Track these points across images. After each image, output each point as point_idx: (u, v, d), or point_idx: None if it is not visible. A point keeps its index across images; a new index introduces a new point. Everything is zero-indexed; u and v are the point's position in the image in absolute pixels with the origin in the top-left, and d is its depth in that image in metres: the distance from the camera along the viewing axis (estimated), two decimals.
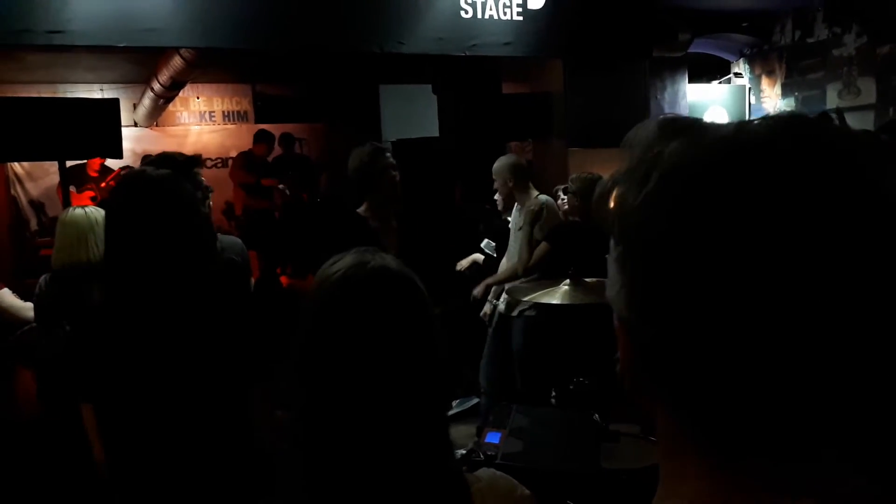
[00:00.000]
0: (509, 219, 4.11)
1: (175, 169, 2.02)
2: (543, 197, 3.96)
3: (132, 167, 7.74)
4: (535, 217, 3.81)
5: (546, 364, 3.82)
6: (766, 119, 0.47)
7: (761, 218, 0.42)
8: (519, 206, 3.97)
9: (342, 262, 0.92)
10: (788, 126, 0.46)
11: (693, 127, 0.49)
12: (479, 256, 4.46)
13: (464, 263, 4.56)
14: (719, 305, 0.43)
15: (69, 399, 1.99)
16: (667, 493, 0.50)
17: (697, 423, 0.47)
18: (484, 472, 0.98)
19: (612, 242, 0.51)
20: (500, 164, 3.96)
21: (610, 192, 0.50)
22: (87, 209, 3.08)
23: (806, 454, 0.44)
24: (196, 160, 2.66)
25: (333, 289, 0.90)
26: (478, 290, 3.94)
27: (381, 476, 0.85)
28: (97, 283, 2.79)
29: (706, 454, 0.47)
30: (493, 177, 3.93)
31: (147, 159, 2.85)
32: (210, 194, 2.65)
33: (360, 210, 3.18)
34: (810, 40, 6.90)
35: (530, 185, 4.03)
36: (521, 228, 3.88)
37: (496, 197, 4.04)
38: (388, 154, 3.20)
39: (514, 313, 3.91)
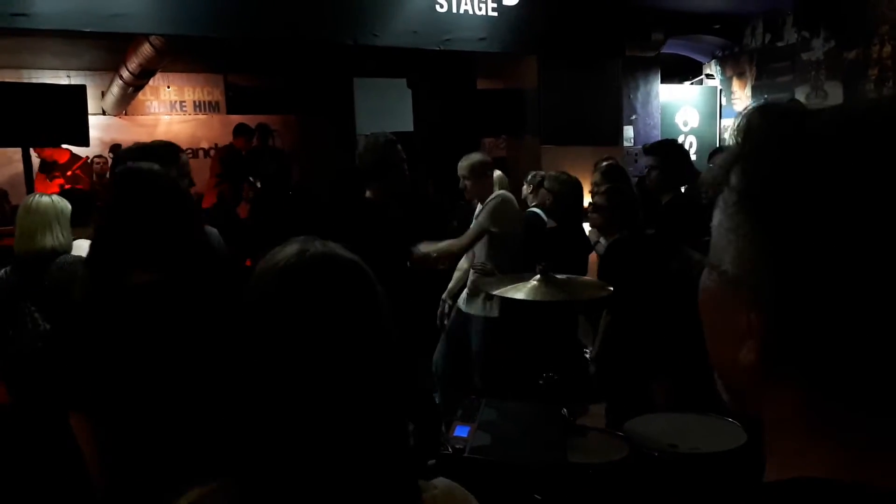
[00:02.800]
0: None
1: (159, 159, 2.00)
2: (501, 192, 4.01)
3: (103, 156, 7.61)
4: (493, 209, 3.84)
5: (506, 363, 3.84)
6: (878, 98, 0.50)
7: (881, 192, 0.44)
8: (481, 203, 3.99)
9: (282, 251, 0.88)
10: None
11: (795, 109, 0.51)
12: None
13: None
14: (863, 272, 0.44)
15: (53, 404, 1.94)
16: (784, 470, 0.50)
17: (835, 392, 0.47)
18: (440, 482, 0.94)
19: (725, 221, 0.51)
20: (470, 162, 3.97)
21: (728, 170, 0.51)
22: (53, 197, 3.04)
23: None
24: (178, 147, 2.67)
25: (272, 279, 0.86)
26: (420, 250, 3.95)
27: (322, 477, 0.82)
28: (59, 271, 2.75)
29: (839, 427, 0.47)
30: (464, 174, 3.92)
31: (118, 150, 2.82)
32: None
33: (367, 195, 3.29)
34: (780, 44, 7.02)
35: (493, 181, 4.08)
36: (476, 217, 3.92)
37: (467, 193, 4.04)
38: (400, 147, 3.28)
39: (474, 312, 3.92)
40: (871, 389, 0.46)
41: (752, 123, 0.52)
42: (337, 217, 3.37)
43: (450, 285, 4.25)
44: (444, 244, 3.89)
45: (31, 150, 4.83)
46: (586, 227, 4.18)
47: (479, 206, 4.04)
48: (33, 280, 2.81)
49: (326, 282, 0.85)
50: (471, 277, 3.98)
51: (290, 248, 0.88)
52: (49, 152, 6.52)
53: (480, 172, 3.90)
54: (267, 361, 0.83)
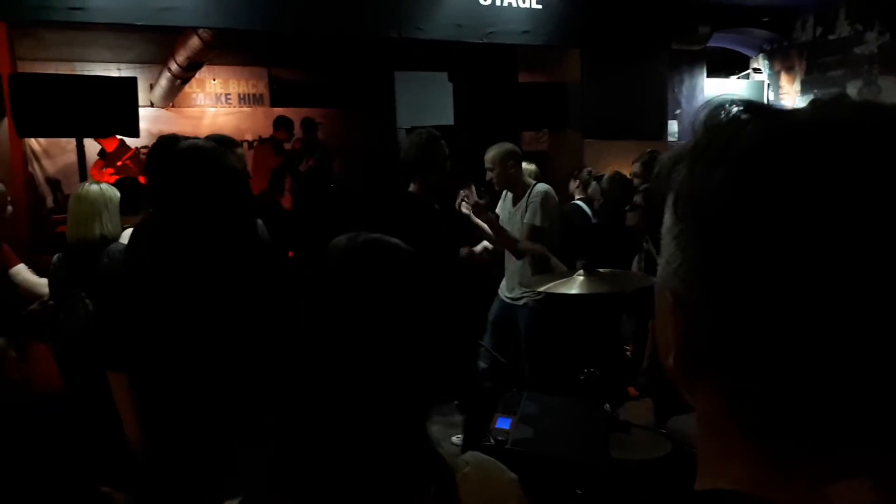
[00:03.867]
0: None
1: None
2: (543, 185, 3.97)
3: (149, 147, 7.77)
4: (541, 205, 3.81)
5: (553, 353, 3.82)
6: (843, 101, 0.47)
7: (849, 204, 0.41)
8: (513, 193, 3.97)
9: (342, 238, 0.94)
10: (871, 110, 0.45)
11: (766, 109, 0.49)
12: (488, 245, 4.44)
13: (477, 249, 4.56)
14: (790, 289, 0.42)
15: (94, 370, 1.99)
16: (709, 477, 0.50)
17: (748, 403, 0.46)
18: (470, 456, 0.95)
19: (669, 220, 0.50)
20: (497, 152, 3.95)
21: (671, 170, 0.50)
22: (101, 185, 3.12)
23: (864, 440, 0.44)
24: (233, 141, 2.75)
25: (331, 262, 0.91)
26: (478, 248, 3.94)
27: (358, 454, 0.83)
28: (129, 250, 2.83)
29: (753, 437, 0.47)
30: (489, 166, 3.91)
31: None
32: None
33: (411, 189, 3.37)
34: (832, 37, 6.83)
35: (523, 170, 4.06)
36: (522, 215, 3.89)
37: (495, 184, 4.01)
38: (444, 143, 3.36)
39: (520, 302, 3.91)
40: (778, 408, 0.44)
41: (693, 123, 0.50)
42: (377, 210, 3.43)
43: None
44: (507, 239, 3.88)
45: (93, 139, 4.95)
46: None
47: (505, 195, 4.03)
48: (84, 267, 2.90)
49: (379, 260, 0.90)
50: (513, 268, 3.97)
51: (348, 235, 0.94)
52: (105, 141, 6.69)
53: (507, 161, 3.88)
54: (325, 333, 0.87)
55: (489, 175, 3.90)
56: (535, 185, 3.93)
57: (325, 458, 0.84)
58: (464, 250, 3.85)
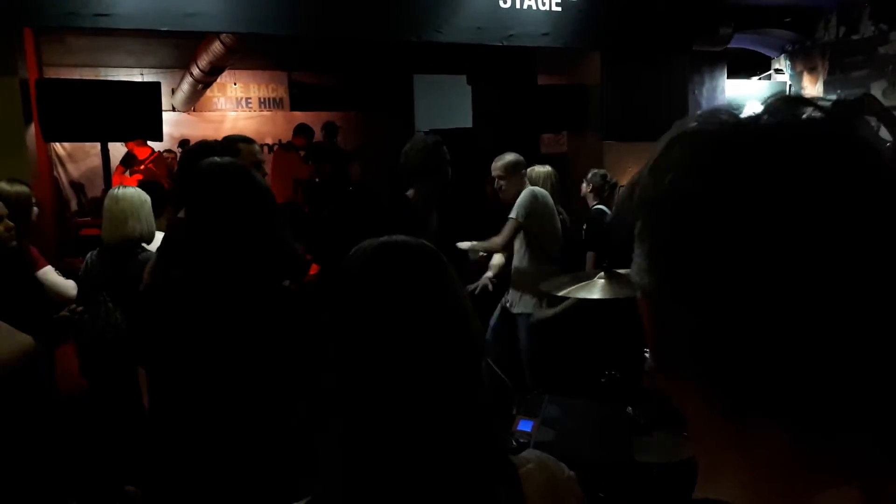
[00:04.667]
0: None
1: (225, 151, 2.08)
2: (531, 187, 4.03)
3: (172, 151, 7.88)
4: (520, 203, 3.88)
5: (555, 361, 3.82)
6: (783, 102, 0.49)
7: (784, 190, 0.44)
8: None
9: (363, 244, 0.94)
10: (787, 101, 0.48)
11: (714, 116, 0.51)
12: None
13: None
14: (744, 275, 0.44)
15: (116, 371, 2.04)
16: (706, 485, 0.50)
17: (724, 394, 0.47)
18: (531, 454, 0.97)
19: (638, 225, 0.52)
20: (509, 162, 3.95)
21: (634, 186, 0.52)
22: (136, 189, 3.21)
23: (839, 427, 0.45)
24: (250, 139, 2.82)
25: (356, 264, 0.92)
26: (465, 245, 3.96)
27: (421, 456, 0.84)
28: (145, 257, 2.87)
29: (737, 428, 0.47)
30: (501, 175, 3.92)
31: (186, 145, 2.98)
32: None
33: (408, 194, 3.30)
34: (855, 37, 6.75)
35: (525, 179, 4.11)
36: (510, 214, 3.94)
37: (501, 196, 4.02)
38: (445, 149, 3.29)
39: (522, 311, 3.93)
40: (755, 400, 0.45)
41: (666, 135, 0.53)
42: (387, 213, 3.41)
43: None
44: (484, 243, 3.92)
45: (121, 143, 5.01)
46: None
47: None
48: (117, 269, 2.95)
49: (405, 259, 0.91)
50: (515, 278, 4.00)
51: (374, 239, 0.95)
52: (132, 146, 6.80)
53: (515, 171, 3.93)
54: (357, 335, 0.87)
55: (496, 186, 3.93)
56: (526, 189, 3.96)
57: (395, 463, 0.84)
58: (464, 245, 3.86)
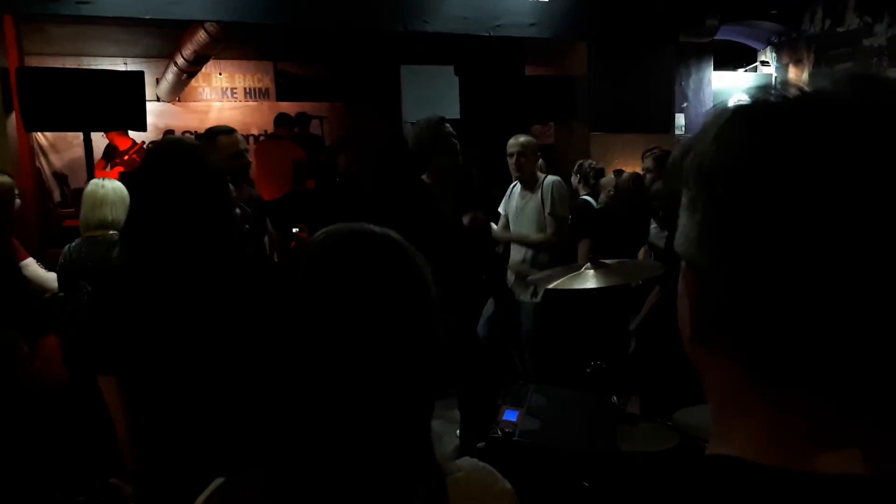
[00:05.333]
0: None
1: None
2: (554, 176, 4.04)
3: (156, 142, 7.80)
4: (558, 195, 3.89)
5: (555, 348, 3.84)
6: (841, 76, 0.49)
7: (828, 160, 0.45)
8: (526, 184, 3.99)
9: (320, 231, 0.89)
10: (856, 79, 0.48)
11: (766, 90, 0.52)
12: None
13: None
14: (791, 244, 0.45)
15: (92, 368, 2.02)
16: (720, 442, 0.53)
17: (760, 364, 0.49)
18: (466, 462, 0.91)
19: (684, 196, 0.52)
20: (529, 140, 3.99)
21: (685, 154, 0.52)
22: (115, 182, 3.19)
23: (860, 407, 0.47)
24: (231, 129, 2.80)
25: (307, 253, 0.88)
26: (499, 235, 3.95)
27: (353, 457, 0.81)
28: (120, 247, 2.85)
29: (764, 397, 0.50)
30: (522, 151, 3.92)
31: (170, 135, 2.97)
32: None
33: (424, 178, 3.35)
34: (840, 29, 6.78)
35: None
36: (544, 207, 3.92)
37: (516, 174, 4.02)
38: (448, 125, 3.32)
39: (522, 298, 3.94)
40: (791, 370, 0.48)
41: (707, 115, 0.54)
42: (389, 203, 3.41)
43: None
44: (538, 240, 3.91)
45: (101, 134, 4.96)
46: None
47: (512, 190, 4.05)
48: (95, 261, 2.92)
49: (357, 252, 0.85)
50: (515, 266, 4.00)
51: (327, 229, 0.89)
52: (113, 136, 6.72)
53: (533, 150, 3.96)
54: (303, 330, 0.83)
55: (514, 160, 3.90)
56: (545, 176, 3.97)
57: (314, 455, 0.81)
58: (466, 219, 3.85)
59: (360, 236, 0.87)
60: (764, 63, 7.79)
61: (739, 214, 0.47)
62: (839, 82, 0.48)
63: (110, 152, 6.82)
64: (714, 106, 0.54)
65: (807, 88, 0.49)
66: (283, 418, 0.83)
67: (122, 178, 3.77)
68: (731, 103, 0.52)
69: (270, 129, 8.51)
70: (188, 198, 1.77)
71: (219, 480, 0.87)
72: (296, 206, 6.46)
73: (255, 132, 9.04)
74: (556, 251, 3.89)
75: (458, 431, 3.91)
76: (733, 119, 0.50)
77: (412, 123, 5.43)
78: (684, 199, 0.52)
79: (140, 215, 1.83)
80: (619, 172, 4.65)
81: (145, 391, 1.80)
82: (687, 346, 0.55)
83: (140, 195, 1.85)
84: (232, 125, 8.82)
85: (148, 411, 1.81)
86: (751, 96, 0.50)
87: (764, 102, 0.49)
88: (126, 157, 6.87)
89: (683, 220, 0.52)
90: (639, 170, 4.58)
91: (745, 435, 0.50)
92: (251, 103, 9.26)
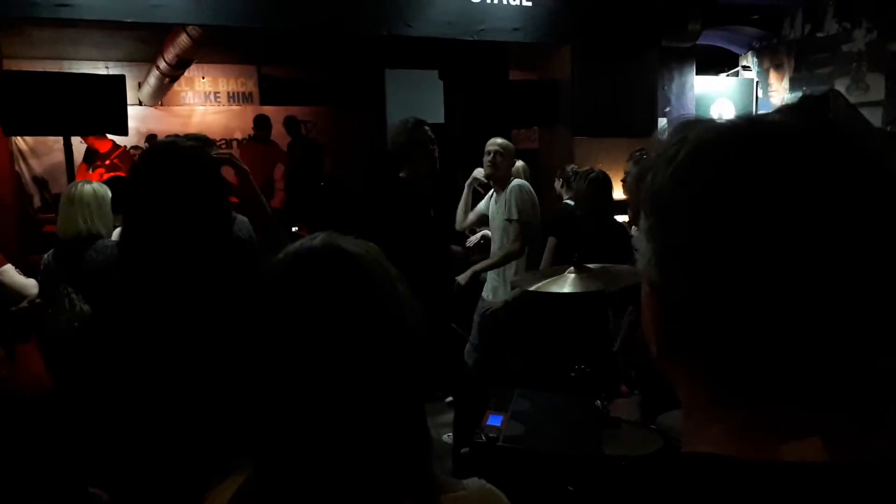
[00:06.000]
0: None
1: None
2: (518, 180, 4.03)
3: (139, 146, 7.74)
4: (517, 200, 3.88)
5: (540, 351, 3.84)
6: (781, 107, 0.55)
7: (777, 187, 0.49)
8: (500, 188, 4.01)
9: (291, 246, 0.87)
10: (801, 107, 0.54)
11: (702, 120, 0.57)
12: (487, 232, 4.45)
13: (473, 240, 4.62)
14: (744, 263, 0.49)
15: (82, 369, 1.98)
16: (693, 442, 0.56)
17: (723, 375, 0.53)
18: (475, 483, 0.89)
19: (643, 219, 0.56)
20: (508, 143, 4.00)
21: (643, 177, 0.56)
22: (94, 185, 3.14)
23: (817, 401, 0.51)
24: (210, 140, 2.72)
25: (276, 270, 0.85)
26: (462, 277, 3.91)
27: (329, 466, 0.79)
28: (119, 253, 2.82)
29: (730, 403, 0.53)
30: (500, 151, 3.92)
31: (153, 139, 2.92)
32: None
33: (402, 175, 3.36)
34: (820, 35, 6.86)
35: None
36: (505, 216, 3.91)
37: (489, 172, 4.00)
38: (428, 128, 3.35)
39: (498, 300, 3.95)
40: (752, 378, 0.52)
41: (661, 134, 0.59)
42: (373, 202, 3.41)
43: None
44: (499, 257, 3.90)
45: (79, 139, 4.91)
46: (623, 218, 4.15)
47: (496, 195, 4.05)
48: (73, 264, 2.89)
49: (326, 269, 0.83)
50: (493, 271, 4.01)
51: (297, 242, 0.87)
52: (92, 140, 6.65)
53: (511, 153, 3.97)
54: (275, 349, 0.81)
55: (490, 157, 3.90)
56: (512, 180, 3.98)
57: (301, 463, 0.80)
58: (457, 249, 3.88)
59: (331, 251, 0.85)
60: (745, 68, 7.87)
61: (695, 246, 0.51)
62: (792, 109, 0.53)
63: (91, 156, 6.75)
64: (677, 122, 0.58)
65: (756, 119, 0.54)
66: (262, 430, 0.82)
67: (111, 182, 3.72)
68: (688, 127, 0.55)
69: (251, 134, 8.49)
70: (182, 202, 1.74)
71: (237, 477, 0.85)
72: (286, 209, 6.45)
73: (239, 136, 9.00)
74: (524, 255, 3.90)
75: (444, 436, 3.91)
76: (691, 156, 0.53)
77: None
78: (643, 223, 0.56)
79: (134, 221, 1.79)
80: (576, 175, 4.56)
81: (139, 399, 1.77)
82: (655, 359, 0.59)
83: (132, 200, 1.82)
84: (215, 129, 8.81)
85: (137, 419, 1.78)
86: (704, 128, 0.54)
87: (716, 139, 0.53)
88: (108, 161, 6.81)
89: (643, 243, 0.56)
90: (622, 173, 4.59)
91: (716, 435, 0.54)
92: (235, 107, 9.21)
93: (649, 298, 0.57)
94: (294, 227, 5.68)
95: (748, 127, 0.53)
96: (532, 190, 4.02)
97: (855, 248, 0.48)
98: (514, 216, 3.84)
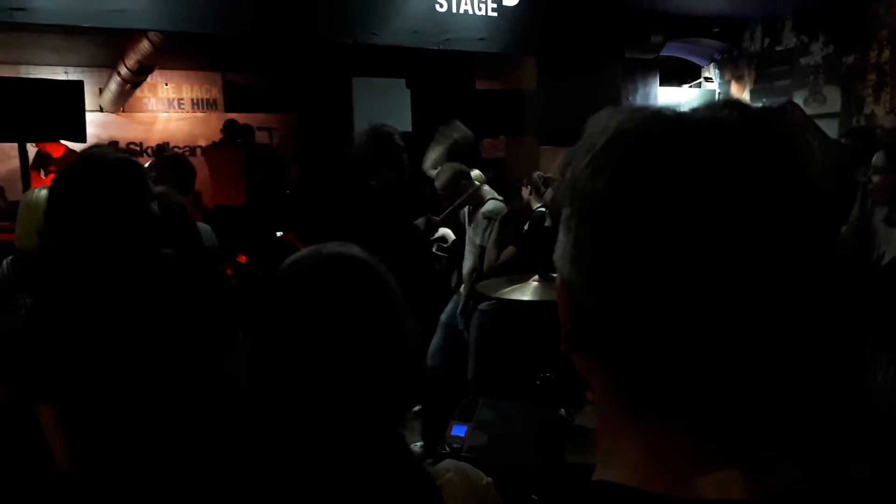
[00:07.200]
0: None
1: None
2: (496, 203, 3.96)
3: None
4: (503, 227, 3.84)
5: (501, 358, 3.83)
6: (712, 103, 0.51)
7: (695, 181, 0.45)
8: (471, 208, 3.96)
9: (301, 253, 0.92)
10: (728, 105, 0.50)
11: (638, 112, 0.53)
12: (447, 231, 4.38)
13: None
14: (659, 274, 0.45)
15: (21, 396, 1.92)
16: (605, 465, 0.52)
17: (632, 389, 0.49)
18: (449, 464, 0.97)
19: (565, 211, 0.53)
20: (448, 176, 3.82)
21: (566, 166, 0.53)
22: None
23: (734, 428, 0.47)
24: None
25: (286, 274, 0.90)
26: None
27: (337, 469, 0.83)
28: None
29: (642, 419, 0.49)
30: (444, 193, 3.83)
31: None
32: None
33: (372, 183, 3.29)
34: (779, 48, 7.03)
35: (474, 180, 4.00)
36: (486, 231, 3.87)
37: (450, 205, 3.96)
38: (398, 138, 3.27)
39: (483, 307, 3.92)
40: (663, 395, 0.48)
41: (591, 123, 0.54)
42: (342, 210, 3.36)
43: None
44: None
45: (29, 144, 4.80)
46: None
47: (466, 213, 4.02)
48: (30, 273, 2.81)
49: (339, 275, 0.88)
50: (467, 272, 3.98)
51: (309, 249, 0.92)
52: (43, 145, 6.49)
53: (459, 182, 3.85)
54: (284, 350, 0.85)
55: (441, 196, 3.86)
56: (485, 201, 3.91)
57: (309, 476, 0.83)
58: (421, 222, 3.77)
59: (326, 261, 0.90)
60: (707, 79, 8.02)
61: (608, 242, 0.47)
62: (711, 108, 0.50)
63: (42, 160, 6.59)
64: (598, 113, 0.54)
65: (677, 112, 0.50)
66: (262, 435, 0.88)
67: None
68: (609, 116, 0.52)
69: (218, 140, 8.37)
70: (110, 210, 1.70)
71: None
72: (241, 218, 6.35)
73: (203, 143, 8.87)
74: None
75: (413, 445, 3.88)
76: (607, 146, 0.49)
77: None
78: (563, 215, 0.52)
79: (53, 235, 1.76)
80: (545, 181, 4.56)
81: (85, 416, 1.72)
82: (567, 352, 0.55)
83: (51, 214, 1.78)
84: (178, 136, 8.69)
85: (89, 437, 1.73)
86: (630, 117, 0.51)
87: (636, 130, 0.49)
88: (63, 165, 6.65)
89: (561, 235, 0.52)
90: None
91: (628, 458, 0.50)
92: (199, 114, 9.09)
93: (560, 293, 0.54)
94: (278, 231, 5.58)
95: (671, 119, 0.49)
96: (504, 207, 3.98)
97: (764, 251, 0.44)
98: (496, 236, 3.79)
